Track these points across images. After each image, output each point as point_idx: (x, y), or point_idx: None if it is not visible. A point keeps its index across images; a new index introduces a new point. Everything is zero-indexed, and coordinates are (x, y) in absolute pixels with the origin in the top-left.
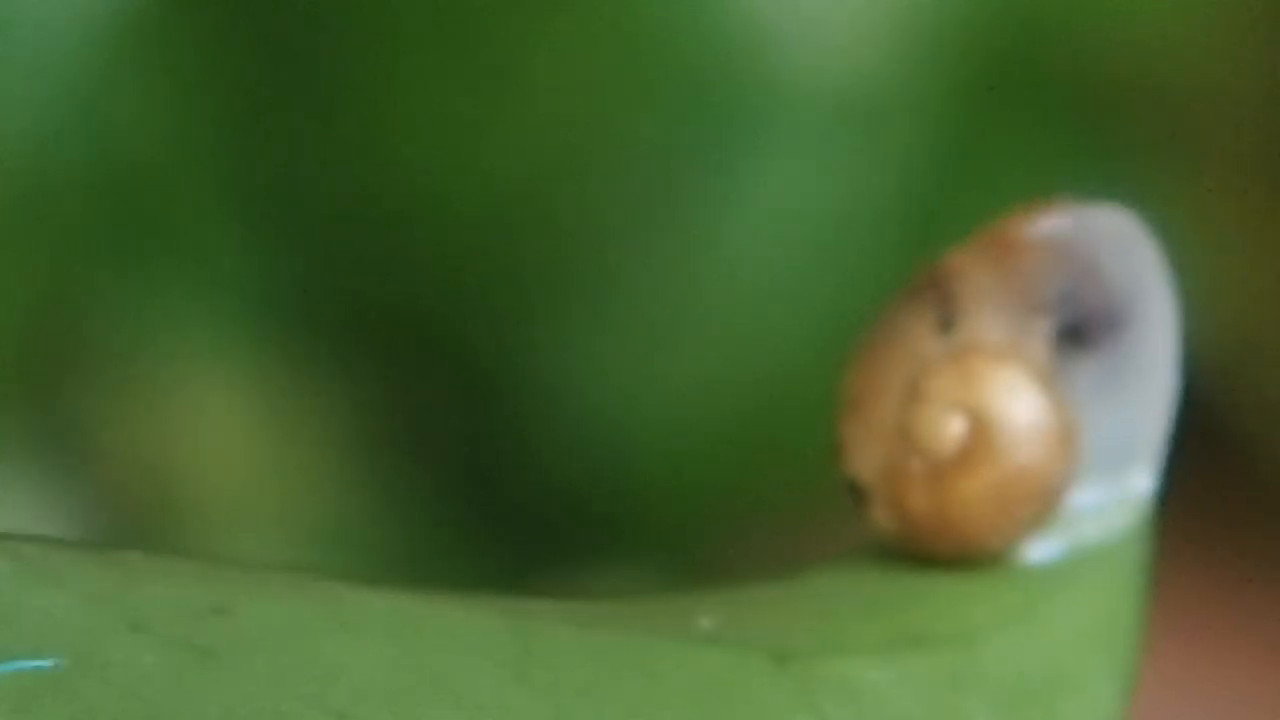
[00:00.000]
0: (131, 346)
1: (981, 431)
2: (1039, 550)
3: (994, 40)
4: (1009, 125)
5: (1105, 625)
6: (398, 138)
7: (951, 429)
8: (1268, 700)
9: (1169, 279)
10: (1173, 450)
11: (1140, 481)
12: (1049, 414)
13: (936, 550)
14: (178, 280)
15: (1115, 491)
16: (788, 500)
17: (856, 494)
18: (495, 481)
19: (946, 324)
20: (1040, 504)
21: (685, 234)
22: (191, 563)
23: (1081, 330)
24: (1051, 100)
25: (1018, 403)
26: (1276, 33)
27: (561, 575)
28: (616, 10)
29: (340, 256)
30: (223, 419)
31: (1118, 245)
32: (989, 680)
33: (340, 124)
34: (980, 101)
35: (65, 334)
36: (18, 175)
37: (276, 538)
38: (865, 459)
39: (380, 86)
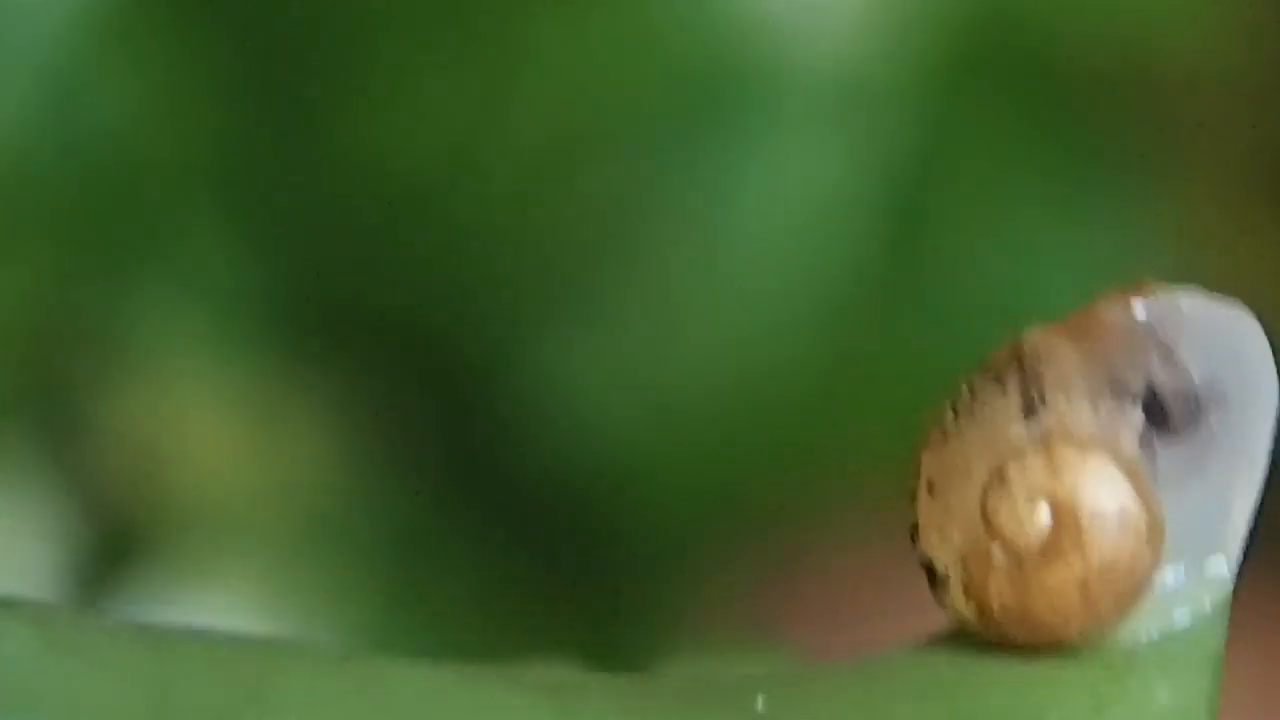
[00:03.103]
0: (122, 347)
1: (1068, 523)
2: (1115, 636)
3: (979, 31)
4: (995, 117)
5: (1177, 714)
6: (388, 138)
7: (1037, 519)
8: (1268, 687)
9: (1270, 369)
10: None
11: (1219, 569)
12: (1137, 507)
13: (1015, 639)
14: (167, 281)
15: (1193, 578)
16: (780, 498)
17: (932, 578)
18: (484, 479)
19: (1031, 408)
20: (1125, 599)
21: (673, 233)
22: (225, 639)
23: (1166, 415)
24: (1036, 91)
25: (1106, 494)
26: (1258, 21)
27: (554, 573)
28: (607, 10)
29: (330, 257)
30: (214, 419)
31: (1207, 331)
32: None
33: (330, 124)
34: (967, 93)
35: (56, 335)
36: (2, 174)
37: (268, 534)
38: (943, 543)
39: (370, 87)
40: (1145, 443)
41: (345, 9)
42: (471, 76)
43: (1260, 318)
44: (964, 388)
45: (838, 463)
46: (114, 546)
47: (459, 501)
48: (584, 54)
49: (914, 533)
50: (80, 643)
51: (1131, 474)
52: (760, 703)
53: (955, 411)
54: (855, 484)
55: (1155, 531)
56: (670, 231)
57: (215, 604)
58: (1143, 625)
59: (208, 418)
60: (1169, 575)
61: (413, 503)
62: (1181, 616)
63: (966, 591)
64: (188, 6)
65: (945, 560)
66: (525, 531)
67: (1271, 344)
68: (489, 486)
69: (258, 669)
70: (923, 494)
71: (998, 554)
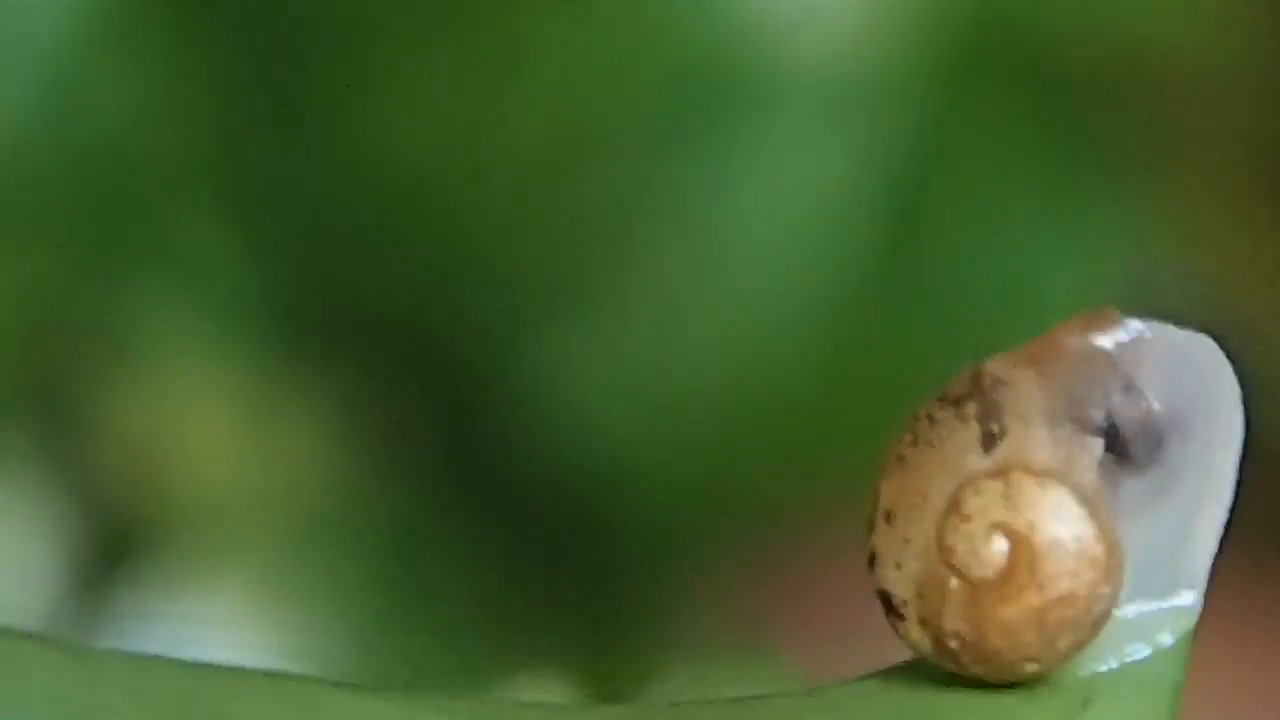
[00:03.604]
0: (122, 346)
1: (1024, 555)
2: (1076, 667)
3: (979, 30)
4: (995, 116)
5: None
6: (388, 137)
7: (993, 551)
8: (1268, 685)
9: (1234, 398)
10: None
11: (1183, 601)
12: (1095, 539)
13: (971, 671)
14: (167, 280)
15: (1157, 610)
16: (780, 498)
17: (889, 607)
18: (483, 479)
19: (990, 438)
20: (1082, 631)
21: (673, 232)
22: (163, 662)
23: (1127, 446)
24: (1035, 89)
25: (1063, 526)
26: (1258, 21)
27: (554, 573)
28: (606, 9)
29: (330, 256)
30: (213, 418)
31: (1170, 360)
32: None
33: (330, 123)
34: (966, 92)
35: (56, 334)
36: (1, 173)
37: (268, 534)
38: (900, 574)
39: (370, 86)
40: (1106, 473)
41: (345, 8)
42: (471, 77)
43: (1260, 317)
44: (924, 416)
45: (838, 462)
46: (114, 546)
47: (458, 501)
48: (584, 53)
49: (871, 561)
50: (17, 661)
51: (1090, 505)
52: None
53: (914, 440)
54: (855, 483)
55: (1114, 563)
56: (670, 230)
57: (214, 603)
58: (1103, 657)
59: (208, 417)
60: (1131, 607)
61: (412, 502)
62: (1143, 649)
63: (922, 622)
64: (187, 6)
65: (901, 590)
66: (525, 531)
67: (1268, 345)
68: (488, 486)
69: (195, 689)
70: (880, 523)
71: (953, 585)
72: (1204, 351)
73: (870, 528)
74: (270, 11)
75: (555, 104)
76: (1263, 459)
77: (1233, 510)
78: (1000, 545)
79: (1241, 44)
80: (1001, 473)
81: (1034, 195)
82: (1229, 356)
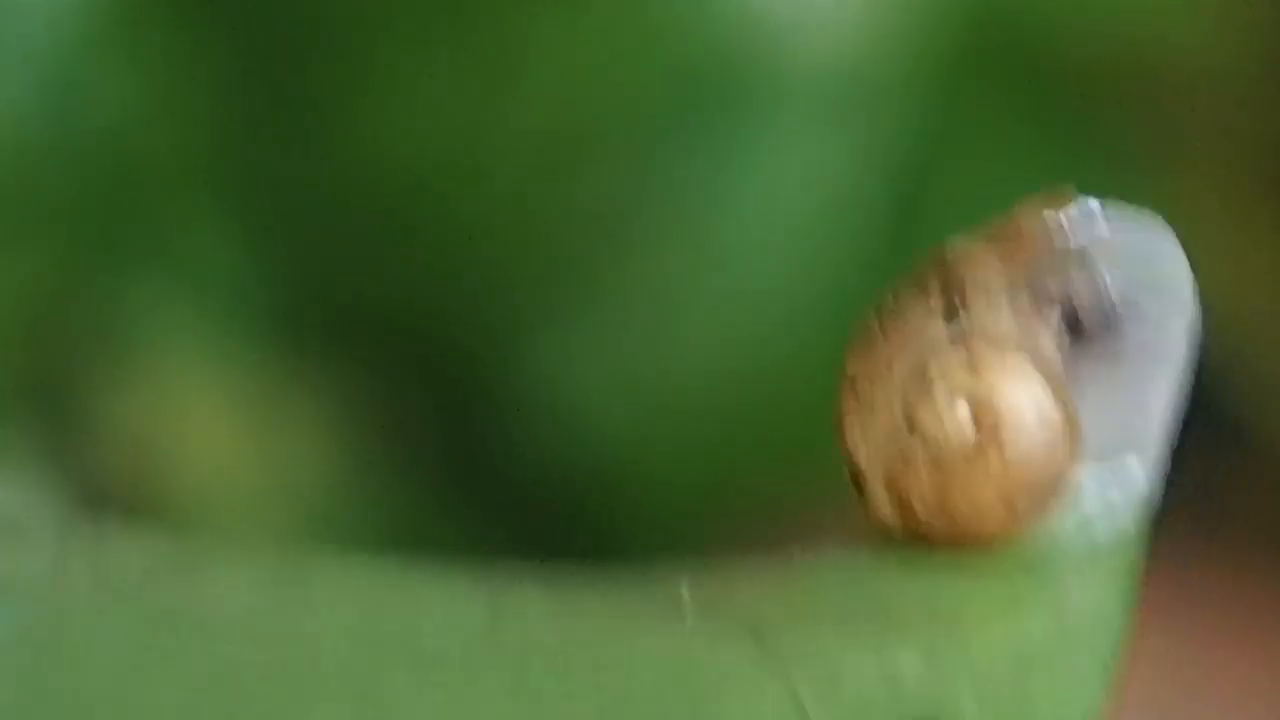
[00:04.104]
0: (122, 345)
1: (986, 420)
2: (1034, 536)
3: (979, 28)
4: (995, 114)
5: (1093, 616)
6: (387, 135)
7: (957, 416)
8: (1268, 686)
9: (1187, 283)
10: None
11: (1138, 472)
12: (1054, 405)
13: (936, 538)
14: (167, 278)
15: (1112, 480)
16: (778, 495)
17: (854, 476)
18: (483, 477)
19: (953, 310)
20: (1042, 496)
21: (673, 231)
22: (163, 532)
23: (1082, 322)
24: (1035, 88)
25: (1023, 392)
26: (1257, 20)
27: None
28: (606, 8)
29: (329, 254)
30: (213, 416)
31: (1124, 243)
32: (973, 667)
33: (330, 122)
34: (967, 90)
35: (56, 332)
36: (1, 171)
37: (267, 532)
38: (866, 441)
39: (370, 84)
40: (1063, 348)
41: (345, 8)
42: (471, 76)
43: (1260, 317)
44: (890, 293)
45: (838, 461)
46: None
47: (458, 500)
48: (583, 52)
49: (838, 431)
50: (24, 527)
51: (1049, 374)
52: (685, 591)
53: (880, 314)
54: None
55: (1071, 430)
56: (670, 229)
57: None
58: (1062, 526)
59: (207, 415)
60: (1088, 478)
61: (411, 501)
62: (1100, 518)
63: (888, 488)
64: (188, 5)
65: (867, 457)
66: (524, 529)
67: (1268, 345)
68: (487, 485)
69: (193, 557)
70: (847, 393)
71: (918, 451)
72: (1155, 230)
73: (838, 399)
74: (270, 11)
75: (555, 103)
76: (1263, 458)
77: (1234, 510)
78: (963, 410)
79: (1241, 44)
80: (964, 342)
81: (1033, 195)
82: (1224, 351)
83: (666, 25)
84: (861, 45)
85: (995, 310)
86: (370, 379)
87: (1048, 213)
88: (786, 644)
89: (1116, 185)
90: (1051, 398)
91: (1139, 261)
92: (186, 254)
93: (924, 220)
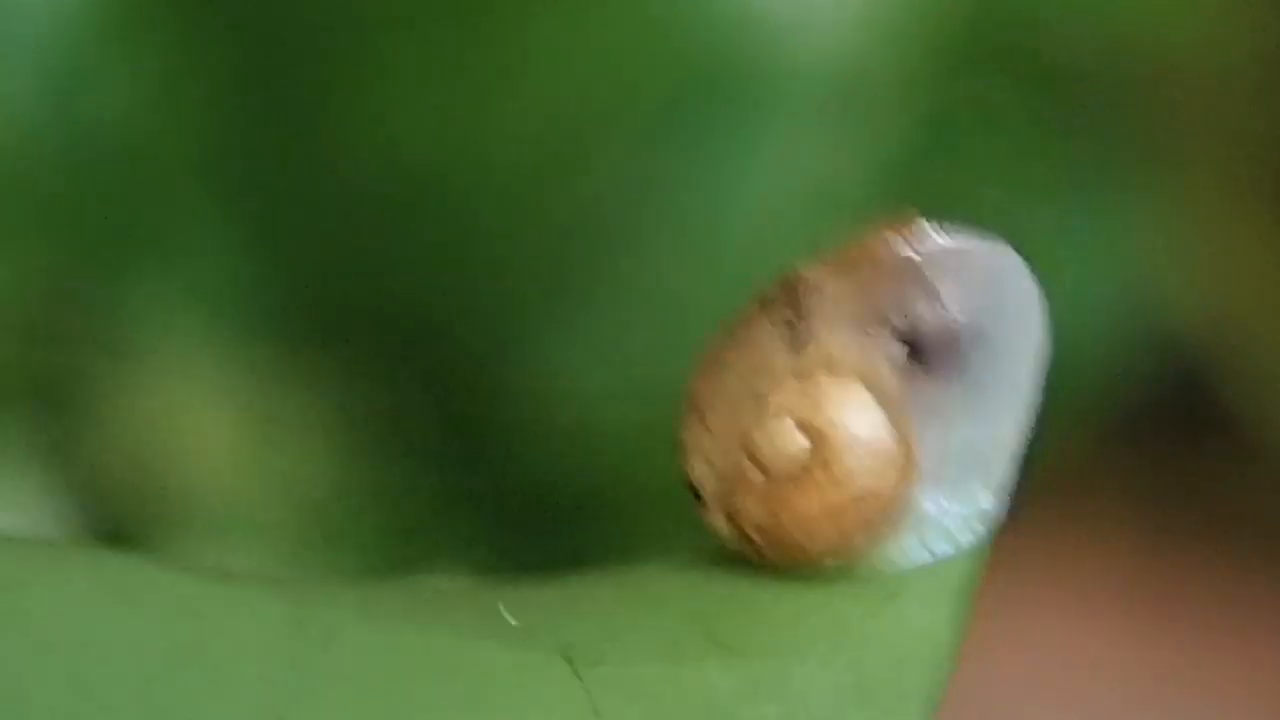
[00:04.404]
0: (120, 343)
1: (824, 451)
2: (876, 564)
3: (979, 27)
4: (995, 112)
5: (921, 642)
6: (387, 132)
7: (792, 443)
8: (1268, 686)
9: (1035, 310)
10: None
11: (982, 500)
12: (890, 435)
13: (770, 560)
14: (166, 276)
15: (955, 508)
16: None
17: (697, 499)
18: (482, 475)
19: (797, 338)
20: (876, 523)
21: (673, 227)
22: None
23: (928, 351)
24: (1035, 86)
25: (860, 422)
26: (1257, 19)
27: (552, 569)
28: (606, 4)
29: (328, 251)
30: (212, 414)
31: (972, 269)
32: (791, 690)
33: (329, 119)
34: (966, 88)
35: (54, 331)
36: (1, 168)
37: (267, 531)
38: (707, 468)
39: (369, 81)
40: (908, 377)
41: (345, 6)
42: (470, 71)
43: (1260, 317)
44: (737, 319)
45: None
46: (112, 540)
47: (457, 499)
48: (583, 48)
49: (681, 455)
50: None
51: (887, 404)
52: (503, 610)
53: (726, 341)
54: None
55: (908, 460)
56: (670, 226)
57: None
58: (901, 552)
59: (206, 414)
60: (930, 505)
61: (411, 499)
62: (940, 545)
63: (727, 515)
64: (188, 3)
65: (707, 484)
66: (524, 528)
67: (1268, 345)
68: (487, 483)
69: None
70: (691, 419)
71: (754, 476)
72: (1006, 262)
73: (682, 424)
74: (270, 10)
75: (556, 100)
76: (1263, 458)
77: (1234, 510)
78: (800, 440)
79: (1241, 44)
80: (806, 372)
81: (1033, 194)
82: (1224, 351)
83: (666, 24)
84: (861, 44)
85: (839, 341)
86: (370, 376)
87: (894, 236)
88: (604, 677)
89: (1115, 184)
90: (887, 424)
91: (986, 288)
92: (186, 254)
93: (924, 218)
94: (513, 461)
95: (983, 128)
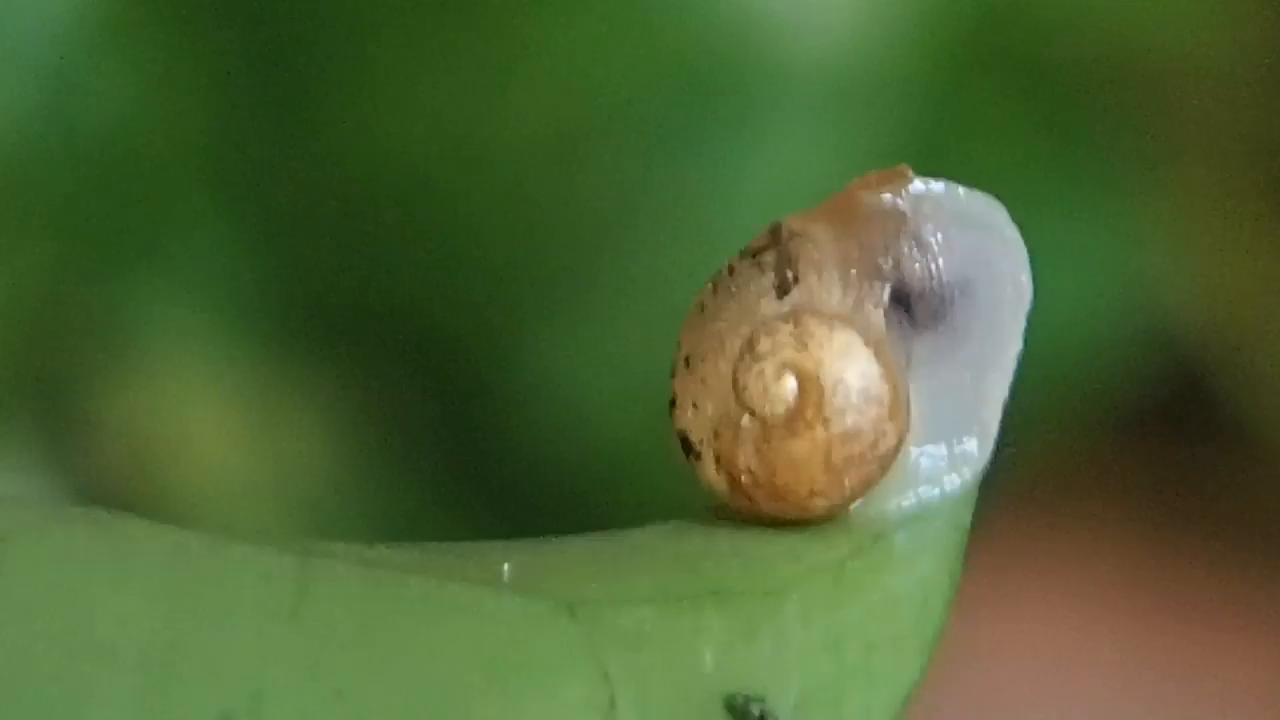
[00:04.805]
0: (120, 341)
1: (812, 393)
2: (865, 511)
3: (979, 26)
4: (994, 112)
5: (916, 586)
6: (386, 132)
7: (783, 389)
8: (1268, 685)
9: (1022, 259)
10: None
11: (971, 447)
12: (881, 381)
13: (763, 509)
14: (165, 275)
15: (945, 459)
16: None
17: (687, 449)
18: (480, 473)
19: (784, 285)
20: (868, 470)
21: (671, 226)
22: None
23: (915, 300)
24: (1035, 86)
25: (850, 367)
26: (1258, 19)
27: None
28: (605, 4)
29: (327, 250)
30: (211, 412)
31: (961, 223)
32: (788, 634)
33: (328, 119)
34: (966, 87)
35: (55, 329)
36: (1, 169)
37: (266, 528)
38: (697, 415)
39: (368, 81)
40: (896, 327)
41: (345, 6)
42: (470, 71)
43: (1260, 317)
44: (725, 268)
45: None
46: None
47: (455, 496)
48: (582, 48)
49: (671, 405)
50: None
51: (878, 350)
52: (506, 572)
53: (715, 289)
54: None
55: (898, 405)
56: (669, 225)
57: None
58: (893, 503)
59: (205, 411)
60: (921, 455)
61: (409, 497)
62: (931, 495)
63: (717, 461)
64: (187, 4)
65: (698, 431)
66: (522, 524)
67: (1268, 345)
68: (485, 481)
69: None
70: (680, 368)
71: (746, 424)
72: (992, 213)
73: (672, 373)
74: (270, 11)
75: (555, 99)
76: (1263, 458)
77: (1234, 510)
78: (790, 383)
79: (1241, 44)
80: (793, 316)
81: (1033, 194)
82: (1225, 351)
83: (667, 21)
84: (861, 43)
85: (827, 287)
86: (368, 375)
87: (883, 186)
88: (600, 621)
89: (1115, 184)
90: (879, 371)
91: (974, 237)
92: (185, 250)
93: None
94: (510, 459)
95: (983, 128)
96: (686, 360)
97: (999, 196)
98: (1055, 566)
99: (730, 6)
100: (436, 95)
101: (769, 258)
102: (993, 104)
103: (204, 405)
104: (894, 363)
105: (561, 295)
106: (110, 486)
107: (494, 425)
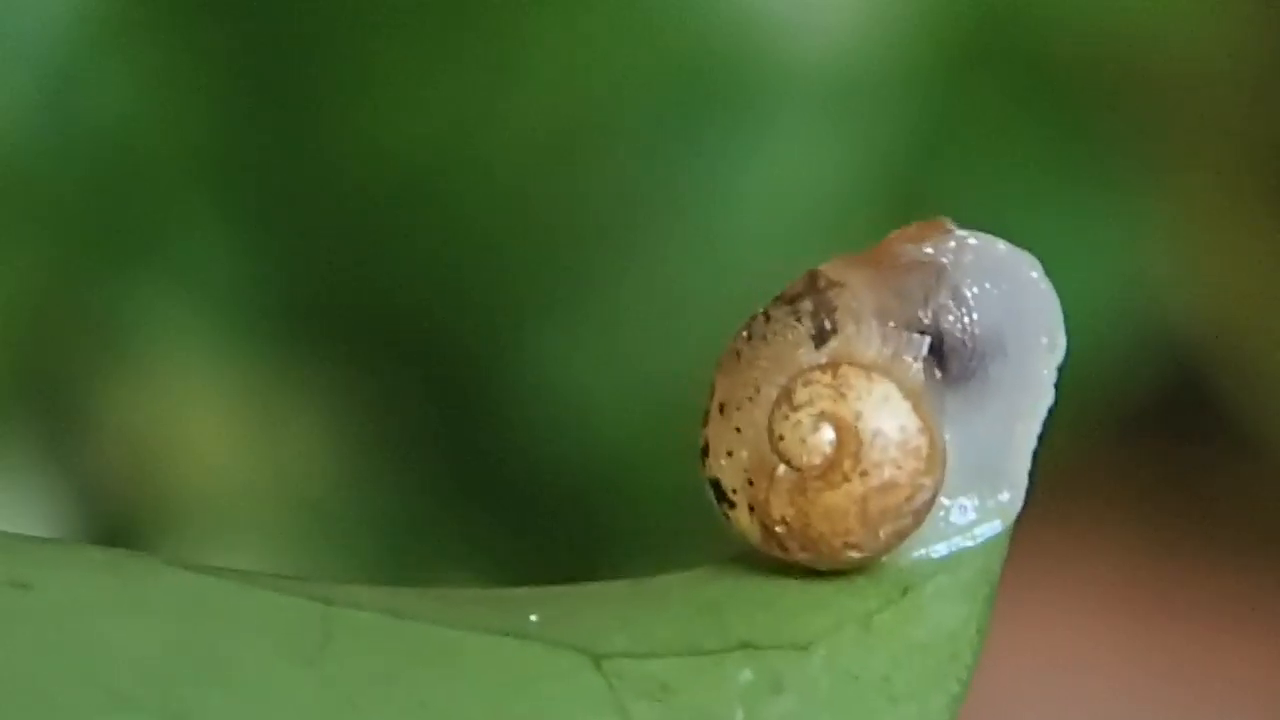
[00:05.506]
0: (120, 342)
1: (849, 443)
2: (895, 561)
3: (978, 26)
4: (994, 111)
5: (945, 637)
6: (386, 132)
7: (820, 438)
8: (1268, 685)
9: (1055, 313)
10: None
11: (1004, 499)
12: (918, 431)
13: (795, 558)
14: (165, 276)
15: (977, 511)
16: None
17: (720, 496)
18: (481, 473)
19: (822, 334)
20: (903, 521)
21: (672, 226)
22: None
23: (951, 353)
24: (1035, 86)
25: (888, 417)
26: (1257, 20)
27: (551, 567)
28: (606, 4)
29: (327, 250)
30: (211, 413)
31: (997, 274)
32: (815, 685)
33: (328, 119)
34: (966, 87)
35: (55, 330)
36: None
37: (266, 528)
38: (731, 463)
39: (369, 81)
40: (931, 378)
41: (345, 6)
42: (470, 71)
43: (1260, 317)
44: (761, 314)
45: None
46: (111, 539)
47: (456, 495)
48: (583, 47)
49: (704, 452)
50: None
51: (916, 403)
52: (533, 616)
53: (750, 336)
54: None
55: (935, 456)
56: (670, 225)
57: None
58: (923, 553)
59: (206, 412)
60: (953, 506)
61: (409, 497)
62: (962, 546)
63: (751, 509)
64: (186, 4)
65: (731, 478)
66: (523, 526)
67: (1268, 345)
68: (486, 480)
69: (25, 563)
70: (714, 414)
71: (781, 472)
72: (1028, 267)
73: (704, 420)
74: (269, 11)
75: (556, 99)
76: (1264, 458)
77: (1234, 510)
78: (827, 434)
79: (1241, 44)
80: (831, 366)
81: (1034, 193)
82: (1224, 351)
83: (667, 21)
84: (862, 43)
85: (865, 337)
86: (368, 375)
87: (920, 237)
88: (626, 674)
89: (1115, 184)
90: (917, 424)
91: (1010, 290)
92: (185, 251)
93: (924, 216)
94: (511, 459)
95: (983, 127)
96: (721, 407)
97: (999, 196)
98: (1055, 566)
99: (730, 6)
100: (437, 95)
101: (806, 305)
102: (993, 104)
103: (204, 405)
104: (930, 412)
105: (561, 295)
106: (110, 486)
107: (494, 425)
